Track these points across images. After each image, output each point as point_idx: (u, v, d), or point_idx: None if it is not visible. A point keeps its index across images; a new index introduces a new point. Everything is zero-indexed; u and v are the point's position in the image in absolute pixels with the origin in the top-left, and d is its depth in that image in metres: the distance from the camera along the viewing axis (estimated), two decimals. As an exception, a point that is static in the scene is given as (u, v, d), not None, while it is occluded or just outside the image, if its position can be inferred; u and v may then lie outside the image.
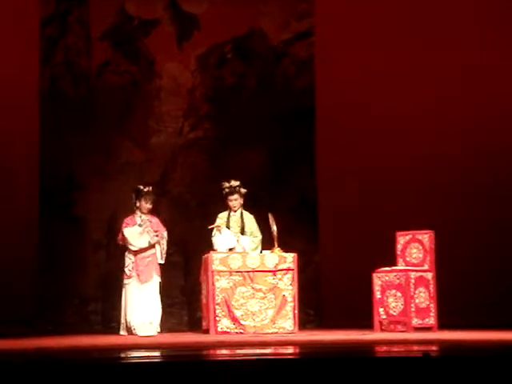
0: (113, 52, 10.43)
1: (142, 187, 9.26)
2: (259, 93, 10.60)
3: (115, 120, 10.39)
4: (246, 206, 9.42)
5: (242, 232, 9.28)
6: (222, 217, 9.36)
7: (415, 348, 7.01)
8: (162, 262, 9.26)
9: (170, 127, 10.50)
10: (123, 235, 9.20)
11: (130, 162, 10.40)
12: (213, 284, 8.87)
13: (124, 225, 9.24)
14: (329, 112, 10.40)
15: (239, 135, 10.47)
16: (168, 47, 10.49)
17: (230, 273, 8.89)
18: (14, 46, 10.00)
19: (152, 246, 9.22)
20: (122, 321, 9.16)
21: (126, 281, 9.19)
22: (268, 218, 9.09)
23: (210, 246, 9.22)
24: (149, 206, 9.26)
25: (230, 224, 9.30)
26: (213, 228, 9.23)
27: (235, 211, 9.33)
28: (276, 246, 9.03)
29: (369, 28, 10.44)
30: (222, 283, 8.87)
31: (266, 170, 10.48)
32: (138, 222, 9.23)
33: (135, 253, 9.18)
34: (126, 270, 9.19)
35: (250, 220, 9.33)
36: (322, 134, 10.46)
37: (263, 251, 9.10)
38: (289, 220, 10.00)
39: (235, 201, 9.30)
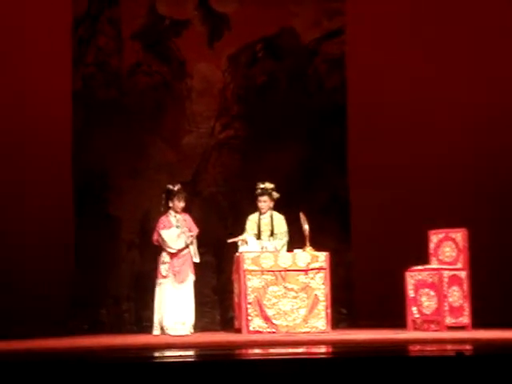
0: (144, 52, 10.47)
1: (171, 187, 9.28)
2: (290, 92, 10.59)
3: (147, 120, 10.43)
4: (278, 205, 9.42)
5: (272, 234, 9.29)
6: (252, 219, 9.37)
7: (449, 347, 6.97)
8: (198, 260, 9.27)
9: (201, 127, 10.52)
10: (161, 237, 9.19)
11: (161, 162, 10.43)
12: (245, 283, 8.87)
13: (161, 226, 9.23)
14: (360, 110, 10.37)
15: (270, 134, 10.46)
16: (199, 47, 10.51)
17: (262, 272, 8.89)
18: (47, 47, 10.07)
19: (186, 246, 9.23)
20: (156, 321, 9.17)
21: (160, 280, 9.18)
22: (299, 217, 9.08)
23: (241, 246, 9.25)
24: (182, 204, 9.28)
25: (261, 227, 9.31)
26: (233, 241, 9.23)
27: (263, 213, 9.33)
28: (308, 245, 9.02)
29: (400, 26, 10.38)
30: (253, 282, 8.87)
31: (297, 169, 10.46)
32: (175, 224, 9.22)
33: (172, 254, 9.19)
34: (161, 269, 9.18)
35: (279, 222, 9.33)
36: (354, 133, 10.43)
37: (295, 250, 9.09)
38: (320, 219, 9.98)
39: (264, 203, 9.30)
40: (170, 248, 9.16)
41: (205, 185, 10.48)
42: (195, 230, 9.29)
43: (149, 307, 9.52)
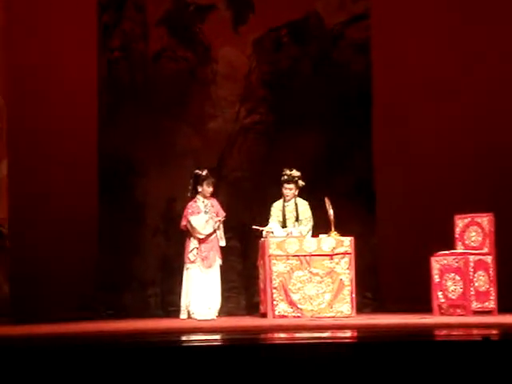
0: (169, 38, 10.48)
1: (200, 172, 9.25)
2: (315, 77, 10.56)
3: (172, 106, 10.44)
4: (303, 190, 9.40)
5: (297, 220, 9.29)
6: (277, 206, 9.35)
7: (475, 332, 6.95)
8: (224, 244, 9.25)
9: (226, 112, 10.53)
10: (190, 224, 9.15)
11: (187, 147, 10.45)
12: (270, 268, 8.88)
13: (190, 211, 9.17)
14: (386, 95, 10.32)
15: (295, 119, 10.45)
16: (224, 32, 10.50)
17: (287, 257, 8.90)
18: (72, 33, 10.09)
19: (214, 231, 9.22)
20: (183, 305, 9.17)
21: (188, 265, 9.14)
22: (324, 202, 9.07)
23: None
24: (211, 189, 9.23)
25: (286, 215, 9.30)
26: (257, 229, 9.22)
27: (287, 201, 9.32)
28: (333, 229, 9.01)
29: (426, 10, 10.31)
30: (279, 267, 8.88)
31: (322, 154, 10.44)
32: (203, 209, 9.20)
33: (200, 239, 9.17)
34: (189, 255, 9.14)
35: (304, 207, 9.31)
36: (379, 117, 10.39)
37: (320, 235, 9.09)
38: (345, 203, 9.96)
39: (290, 190, 9.28)
40: (200, 234, 9.14)
41: (230, 170, 10.49)
42: (222, 215, 9.28)
43: (174, 292, 9.56)
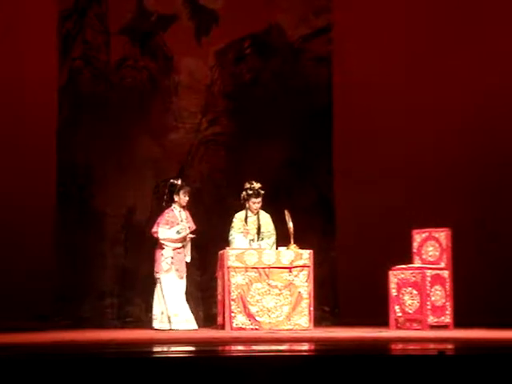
0: (131, 47, 10.47)
1: (175, 181, 9.21)
2: (277, 89, 10.59)
3: (133, 115, 10.42)
4: (263, 203, 9.40)
5: (258, 232, 9.28)
6: (239, 217, 9.32)
7: (431, 346, 6.99)
8: (189, 260, 9.22)
9: (187, 123, 10.52)
10: (158, 235, 9.11)
11: (147, 157, 10.43)
12: (228, 280, 8.87)
13: (164, 221, 9.12)
14: (346, 109, 10.39)
15: (257, 131, 10.48)
16: (186, 43, 10.51)
17: (246, 269, 8.89)
18: (33, 42, 10.04)
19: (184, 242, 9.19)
20: (158, 312, 9.04)
21: (162, 274, 9.06)
22: (284, 215, 9.08)
23: (225, 242, 9.22)
24: (187, 198, 9.21)
25: (248, 226, 9.28)
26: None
27: (255, 214, 9.30)
28: (292, 242, 9.02)
29: (388, 24, 10.40)
30: (237, 279, 8.87)
31: (283, 166, 10.47)
32: (179, 219, 9.14)
33: (174, 249, 9.12)
34: (162, 264, 9.11)
35: (266, 220, 9.31)
36: (340, 131, 10.45)
37: (279, 248, 9.10)
38: (305, 217, 9.99)
39: (258, 204, 9.26)
40: (171, 243, 9.10)
41: (190, 180, 10.45)
42: (193, 228, 9.23)
43: (132, 303, 9.51)
